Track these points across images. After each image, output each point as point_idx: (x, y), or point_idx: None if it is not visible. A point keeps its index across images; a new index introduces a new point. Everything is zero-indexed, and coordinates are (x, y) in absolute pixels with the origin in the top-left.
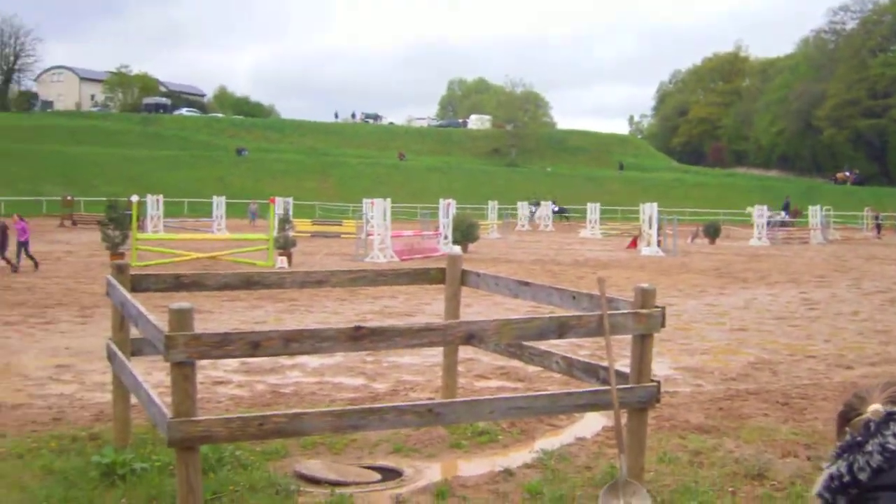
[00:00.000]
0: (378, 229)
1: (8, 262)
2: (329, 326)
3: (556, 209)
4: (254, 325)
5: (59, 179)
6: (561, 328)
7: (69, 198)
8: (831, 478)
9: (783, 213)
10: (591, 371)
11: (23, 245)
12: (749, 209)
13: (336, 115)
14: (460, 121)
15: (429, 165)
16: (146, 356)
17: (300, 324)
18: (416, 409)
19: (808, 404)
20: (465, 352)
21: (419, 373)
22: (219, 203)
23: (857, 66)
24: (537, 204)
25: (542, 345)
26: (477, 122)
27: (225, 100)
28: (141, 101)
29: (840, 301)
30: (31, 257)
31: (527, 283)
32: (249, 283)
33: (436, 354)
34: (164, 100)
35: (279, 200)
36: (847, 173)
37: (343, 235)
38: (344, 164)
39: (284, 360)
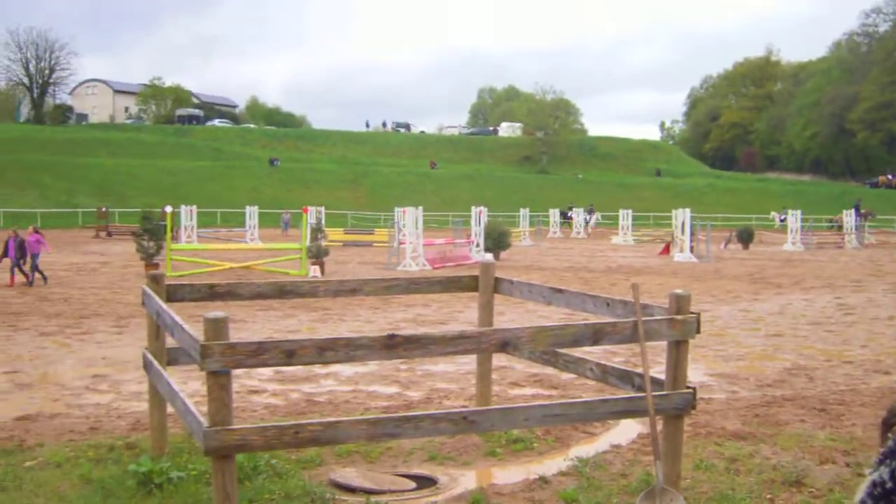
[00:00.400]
0: (410, 238)
1: (25, 275)
2: (363, 335)
3: (570, 215)
4: (287, 334)
5: (94, 191)
6: (595, 335)
7: (104, 209)
8: (874, 484)
9: (853, 215)
10: (626, 378)
11: (32, 257)
12: (773, 214)
13: (367, 125)
14: (491, 129)
15: (460, 173)
16: (182, 365)
17: (334, 332)
18: (450, 416)
19: (845, 410)
20: (498, 359)
21: (453, 381)
22: (251, 213)
23: (890, 68)
24: (591, 211)
25: (577, 352)
26: (507, 129)
27: (257, 110)
28: (174, 112)
29: (877, 306)
30: (38, 270)
31: (560, 291)
32: (283, 292)
33: (469, 362)
34: (196, 111)
35: (311, 210)
36: (890, 176)
37: (375, 244)
38: (375, 173)
39: (318, 369)
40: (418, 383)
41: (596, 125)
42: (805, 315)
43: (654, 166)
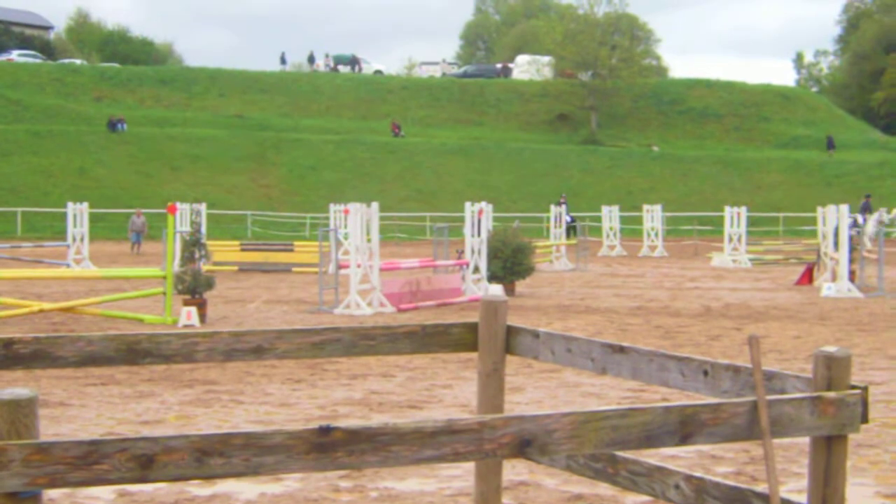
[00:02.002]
0: (358, 256)
1: None
2: (276, 428)
3: (569, 219)
4: (142, 426)
5: None
6: (684, 426)
7: None
8: None
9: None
10: (737, 502)
11: None
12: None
13: (283, 60)
14: (499, 66)
15: (445, 144)
16: None
17: (224, 423)
18: None
19: None
20: (514, 470)
21: None
22: (78, 213)
23: None
24: (867, 209)
25: (652, 457)
26: (528, 68)
27: (87, 35)
28: None
29: None
30: None
31: (622, 349)
32: (133, 353)
33: (462, 475)
34: None
35: (184, 209)
36: None
37: (296, 269)
38: (296, 145)
39: (196, 489)
40: None
41: (683, 61)
42: None
43: (784, 130)
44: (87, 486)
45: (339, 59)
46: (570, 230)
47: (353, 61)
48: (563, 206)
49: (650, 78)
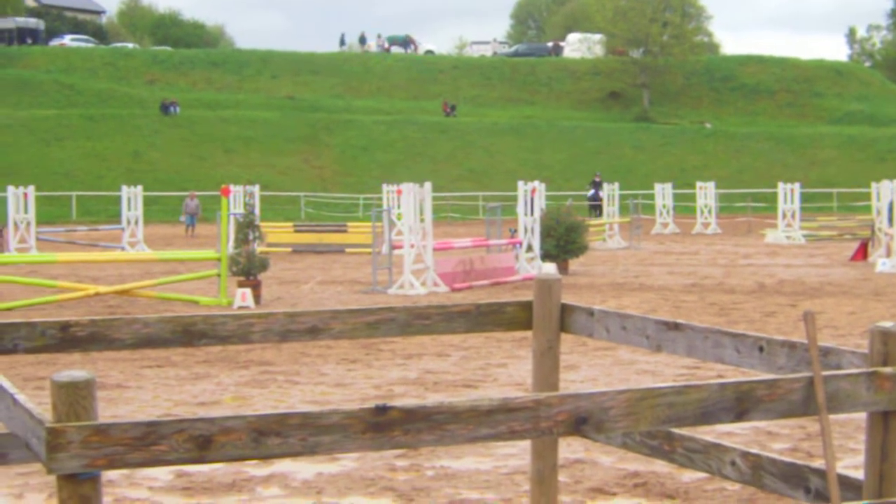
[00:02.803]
0: (411, 237)
1: None
2: (332, 407)
3: (591, 193)
4: (198, 407)
5: None
6: (740, 403)
7: None
8: None
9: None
10: (794, 477)
11: None
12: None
13: (342, 42)
14: (550, 45)
15: (497, 124)
16: (13, 464)
17: (280, 404)
18: None
19: None
20: (570, 448)
21: (488, 487)
22: (132, 196)
23: None
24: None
25: (708, 433)
26: (579, 46)
27: (139, 19)
28: None
29: None
30: None
31: (677, 326)
32: (189, 334)
33: (518, 454)
34: (33, 21)
35: (237, 191)
36: None
37: (350, 249)
38: (349, 126)
39: (254, 470)
40: (429, 492)
41: (735, 37)
42: None
43: (837, 105)
44: (145, 466)
45: (393, 40)
46: (596, 208)
47: (407, 42)
48: (599, 185)
49: (702, 55)
